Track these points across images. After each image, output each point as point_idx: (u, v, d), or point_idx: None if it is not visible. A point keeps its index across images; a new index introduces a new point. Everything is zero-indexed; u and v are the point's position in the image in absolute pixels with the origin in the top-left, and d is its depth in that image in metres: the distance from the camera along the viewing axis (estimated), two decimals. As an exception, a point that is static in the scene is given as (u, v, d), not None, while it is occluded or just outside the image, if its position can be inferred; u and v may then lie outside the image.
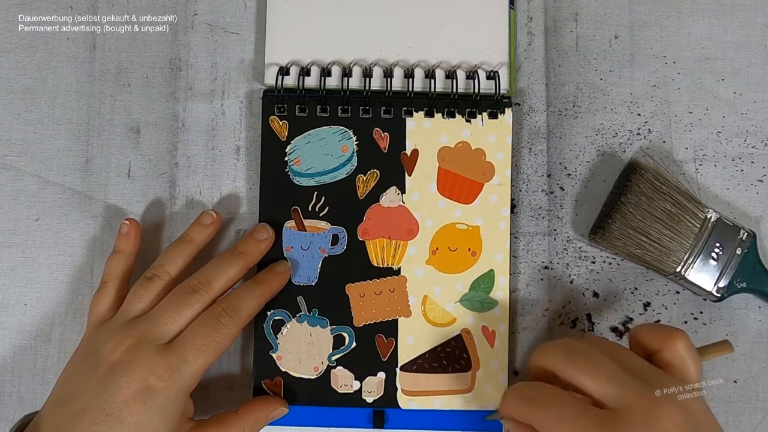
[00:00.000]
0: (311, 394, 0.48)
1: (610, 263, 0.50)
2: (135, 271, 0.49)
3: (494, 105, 0.49)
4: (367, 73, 0.49)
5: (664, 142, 0.51)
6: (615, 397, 0.36)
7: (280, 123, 0.49)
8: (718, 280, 0.48)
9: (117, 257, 0.47)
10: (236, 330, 0.44)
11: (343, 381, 0.48)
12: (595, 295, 0.50)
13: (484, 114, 0.49)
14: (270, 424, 0.47)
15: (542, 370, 0.40)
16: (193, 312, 0.44)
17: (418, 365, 0.48)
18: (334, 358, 0.48)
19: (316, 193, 0.49)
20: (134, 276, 0.48)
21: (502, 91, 0.49)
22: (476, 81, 0.48)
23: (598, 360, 0.38)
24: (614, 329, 0.50)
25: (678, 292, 0.50)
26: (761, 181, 0.51)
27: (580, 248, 0.50)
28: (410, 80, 0.49)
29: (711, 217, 0.47)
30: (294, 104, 0.49)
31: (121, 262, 0.47)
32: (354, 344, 0.48)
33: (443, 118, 0.49)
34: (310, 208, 0.49)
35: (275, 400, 0.47)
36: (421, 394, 0.48)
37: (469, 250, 0.49)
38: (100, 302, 0.46)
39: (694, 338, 0.49)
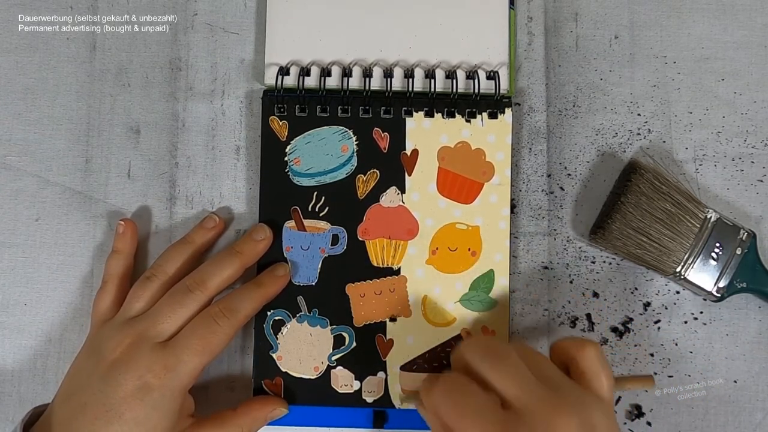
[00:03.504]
0: (311, 394, 0.48)
1: (610, 263, 0.50)
2: (137, 271, 0.49)
3: (494, 105, 0.49)
4: (367, 73, 0.49)
5: (664, 142, 0.51)
6: (520, 399, 0.37)
7: (280, 123, 0.49)
8: (718, 280, 0.48)
9: (115, 257, 0.48)
10: (232, 331, 0.45)
11: (344, 381, 0.48)
12: (595, 295, 0.50)
13: (484, 114, 0.49)
14: (270, 424, 0.47)
15: (462, 364, 0.41)
16: (189, 311, 0.44)
17: (418, 365, 0.48)
18: (334, 358, 0.48)
19: (316, 193, 0.49)
20: (135, 275, 0.48)
21: (502, 91, 0.49)
22: (476, 81, 0.48)
23: (511, 362, 0.39)
24: (614, 329, 0.50)
25: (678, 292, 0.50)
26: (761, 181, 0.51)
27: (580, 248, 0.50)
28: (410, 80, 0.49)
29: (711, 217, 0.47)
30: (294, 104, 0.49)
31: (120, 261, 0.48)
32: (354, 344, 0.48)
33: (443, 118, 0.49)
34: (310, 208, 0.49)
35: (274, 400, 0.47)
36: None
37: (469, 250, 0.49)
38: (101, 301, 0.47)
39: (694, 338, 0.50)
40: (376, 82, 0.49)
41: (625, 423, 0.49)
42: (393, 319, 0.48)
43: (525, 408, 0.37)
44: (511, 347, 0.40)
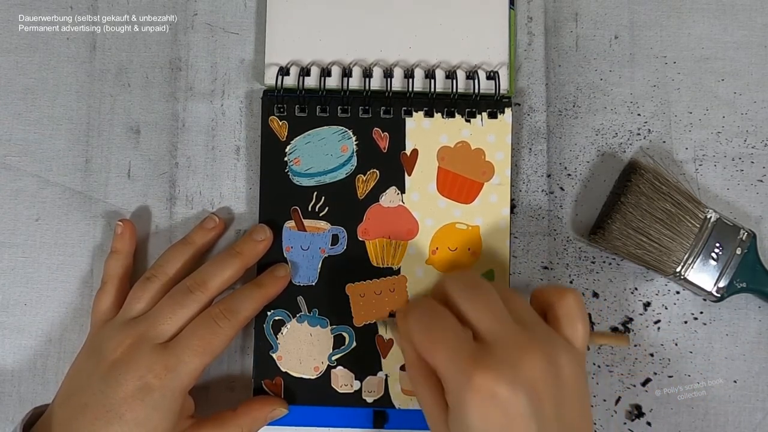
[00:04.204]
0: (311, 394, 0.48)
1: (610, 263, 0.50)
2: (137, 271, 0.49)
3: (494, 105, 0.49)
4: (367, 73, 0.49)
5: (664, 142, 0.51)
6: (492, 332, 0.38)
7: (280, 123, 0.49)
8: (718, 280, 0.48)
9: (114, 257, 0.48)
10: (233, 332, 0.45)
11: (344, 381, 0.48)
12: (595, 295, 0.50)
13: (484, 114, 0.49)
14: (270, 424, 0.47)
15: (441, 294, 0.41)
16: (190, 312, 0.44)
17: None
18: (334, 358, 0.48)
19: (315, 193, 0.49)
20: (135, 276, 0.48)
21: (501, 91, 0.49)
22: (476, 81, 0.48)
23: (489, 296, 0.40)
24: (614, 329, 0.50)
25: (678, 292, 0.50)
26: (761, 181, 0.51)
27: (580, 248, 0.50)
28: (410, 80, 0.49)
29: (711, 217, 0.47)
30: (294, 104, 0.49)
31: (119, 261, 0.48)
32: (354, 344, 0.48)
33: (443, 118, 0.49)
34: (309, 208, 0.49)
35: (274, 400, 0.47)
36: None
37: (469, 250, 0.49)
38: (101, 302, 0.47)
39: (694, 338, 0.50)
40: (376, 82, 0.49)
41: (625, 423, 0.49)
42: (392, 315, 0.48)
43: (495, 341, 0.38)
44: (491, 284, 0.41)
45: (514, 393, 0.36)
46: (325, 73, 0.49)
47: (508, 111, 0.49)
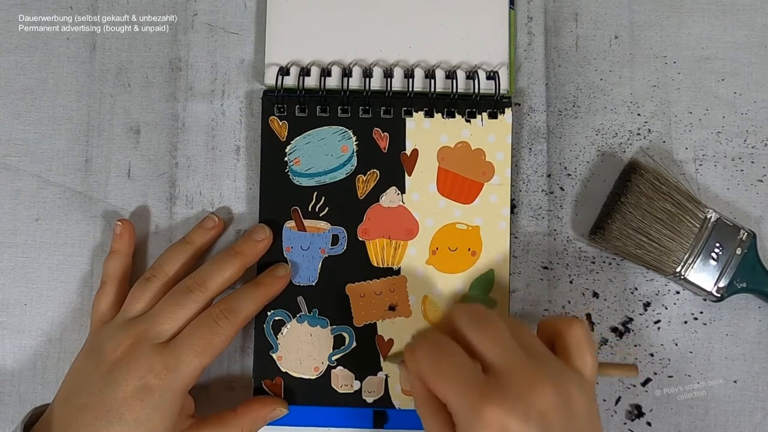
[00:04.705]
0: (311, 394, 0.48)
1: (610, 263, 0.50)
2: (137, 271, 0.49)
3: (494, 105, 0.49)
4: (367, 73, 0.49)
5: (664, 142, 0.51)
6: (501, 364, 0.38)
7: (280, 123, 0.49)
8: (718, 280, 0.48)
9: (113, 258, 0.48)
10: (233, 332, 0.45)
11: (344, 381, 0.48)
12: (595, 295, 0.50)
13: (484, 114, 0.49)
14: (270, 424, 0.47)
15: (449, 326, 0.41)
16: (189, 312, 0.44)
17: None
18: (334, 358, 0.48)
19: (316, 193, 0.49)
20: (135, 276, 0.48)
21: (502, 91, 0.49)
22: (476, 81, 0.48)
23: (497, 327, 0.39)
24: (614, 329, 0.50)
25: (678, 292, 0.50)
26: (761, 181, 0.51)
27: (580, 248, 0.50)
28: (410, 80, 0.49)
29: (711, 217, 0.47)
30: (294, 104, 0.49)
31: (118, 262, 0.48)
32: (354, 344, 0.48)
33: (443, 118, 0.49)
34: (310, 208, 0.49)
35: (274, 400, 0.47)
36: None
37: (469, 250, 0.49)
38: (100, 302, 0.47)
39: (694, 338, 0.50)
40: (376, 82, 0.49)
41: (625, 423, 0.49)
42: (392, 308, 0.48)
43: (504, 373, 0.37)
44: (499, 316, 0.41)
45: (526, 426, 0.35)
46: (325, 73, 0.49)
47: (508, 111, 0.49)
